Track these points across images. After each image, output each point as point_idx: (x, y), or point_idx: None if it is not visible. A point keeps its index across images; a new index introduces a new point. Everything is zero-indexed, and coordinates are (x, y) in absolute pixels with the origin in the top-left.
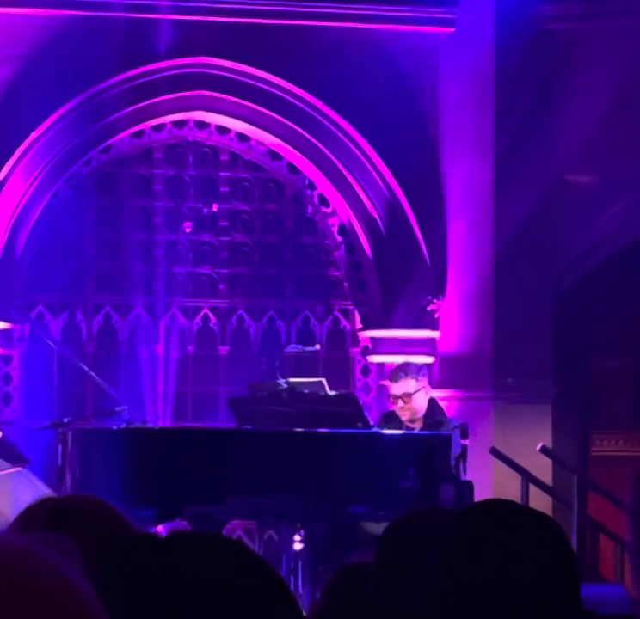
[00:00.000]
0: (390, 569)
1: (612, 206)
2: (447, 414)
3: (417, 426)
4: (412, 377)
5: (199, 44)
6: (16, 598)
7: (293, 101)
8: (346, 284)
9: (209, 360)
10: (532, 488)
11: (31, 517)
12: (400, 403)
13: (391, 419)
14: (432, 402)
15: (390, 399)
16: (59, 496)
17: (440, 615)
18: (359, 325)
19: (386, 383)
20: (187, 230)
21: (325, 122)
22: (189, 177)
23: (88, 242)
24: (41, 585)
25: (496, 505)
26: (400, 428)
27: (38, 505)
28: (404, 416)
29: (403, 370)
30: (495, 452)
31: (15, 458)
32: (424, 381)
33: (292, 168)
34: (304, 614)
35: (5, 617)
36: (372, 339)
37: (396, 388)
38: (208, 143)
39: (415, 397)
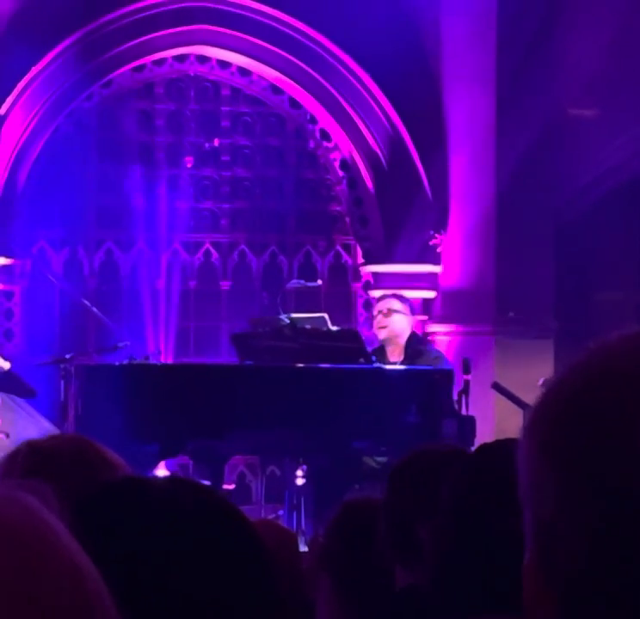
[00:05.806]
0: (400, 505)
1: (615, 140)
2: (441, 350)
3: (397, 360)
4: (398, 300)
5: None
6: None
7: (295, 35)
8: (348, 219)
9: (211, 295)
10: None
11: (11, 461)
12: (379, 318)
13: (375, 356)
14: (414, 335)
15: (374, 318)
16: (42, 438)
17: (456, 548)
18: (360, 260)
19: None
20: (189, 165)
21: (327, 56)
22: (190, 112)
23: (89, 178)
24: (17, 531)
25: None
26: (383, 364)
27: (17, 449)
28: (381, 334)
29: (394, 294)
30: (496, 387)
31: (23, 391)
32: (408, 311)
33: (294, 103)
34: (305, 549)
35: None
36: (374, 274)
37: (381, 304)
38: (209, 77)
39: (395, 318)
